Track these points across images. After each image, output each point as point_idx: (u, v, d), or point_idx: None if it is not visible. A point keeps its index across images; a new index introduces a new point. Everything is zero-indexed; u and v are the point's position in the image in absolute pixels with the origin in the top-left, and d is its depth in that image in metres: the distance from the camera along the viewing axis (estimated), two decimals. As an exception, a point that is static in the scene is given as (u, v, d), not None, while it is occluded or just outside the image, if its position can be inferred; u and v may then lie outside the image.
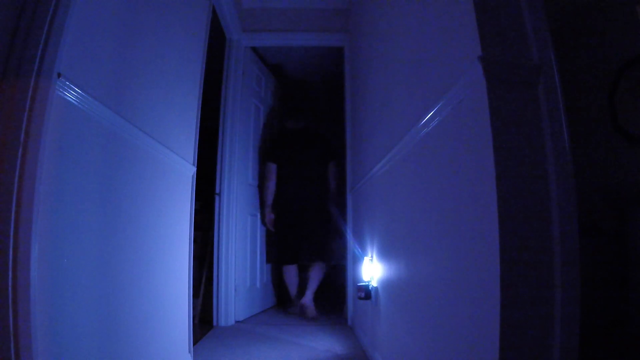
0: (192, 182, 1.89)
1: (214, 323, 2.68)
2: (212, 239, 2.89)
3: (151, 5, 1.40)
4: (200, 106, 2.02)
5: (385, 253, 1.70)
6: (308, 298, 2.90)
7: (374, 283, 1.92)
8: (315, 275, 2.97)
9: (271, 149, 3.17)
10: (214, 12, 2.51)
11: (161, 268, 1.50)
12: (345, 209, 2.89)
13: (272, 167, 3.05)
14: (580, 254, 0.78)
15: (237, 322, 2.75)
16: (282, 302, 3.55)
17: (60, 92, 0.89)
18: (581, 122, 2.30)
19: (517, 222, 0.78)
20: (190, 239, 1.84)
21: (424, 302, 1.16)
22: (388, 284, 1.64)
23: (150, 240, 1.41)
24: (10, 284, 0.76)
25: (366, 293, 1.93)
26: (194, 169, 1.92)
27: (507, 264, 0.75)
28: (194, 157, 1.94)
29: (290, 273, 3.06)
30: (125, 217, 1.22)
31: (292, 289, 3.10)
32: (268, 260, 3.27)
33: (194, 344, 1.99)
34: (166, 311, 1.55)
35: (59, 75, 0.86)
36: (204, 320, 2.79)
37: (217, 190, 2.82)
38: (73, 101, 0.94)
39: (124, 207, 1.21)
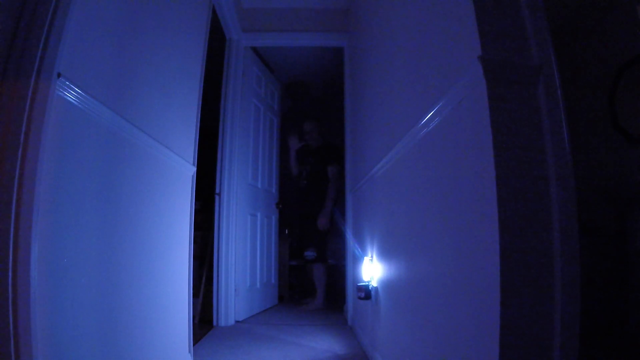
0: (192, 182, 1.89)
1: (214, 323, 2.68)
2: (212, 239, 2.89)
3: (151, 6, 1.40)
4: (200, 106, 2.02)
5: (385, 253, 1.70)
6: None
7: (374, 283, 1.92)
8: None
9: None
10: (214, 12, 2.51)
11: (161, 268, 1.50)
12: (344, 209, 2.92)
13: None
14: (580, 254, 0.78)
15: (237, 322, 2.75)
16: (283, 301, 3.60)
17: (60, 92, 0.89)
18: (581, 122, 2.30)
19: (517, 222, 0.78)
20: (190, 239, 1.84)
21: (424, 302, 1.16)
22: (388, 284, 1.64)
23: (150, 240, 1.41)
24: (10, 284, 0.76)
25: (366, 293, 1.93)
26: (194, 169, 1.92)
27: (507, 264, 0.75)
28: (194, 157, 1.94)
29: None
30: (125, 217, 1.22)
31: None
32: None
33: (194, 344, 1.99)
34: (166, 311, 1.55)
35: (59, 75, 0.86)
36: (204, 320, 2.79)
37: (217, 190, 2.82)
38: (73, 101, 0.94)
39: (123, 206, 1.21)
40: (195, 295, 2.85)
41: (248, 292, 2.91)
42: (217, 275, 2.73)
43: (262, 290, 3.18)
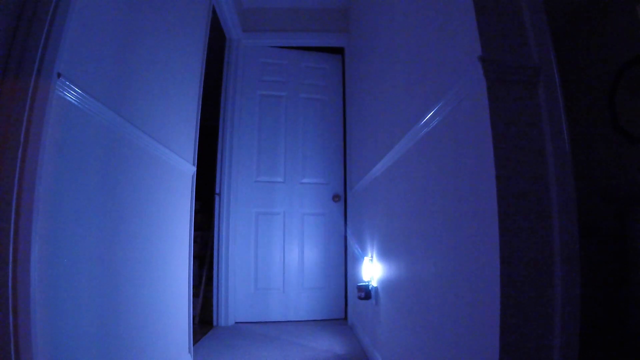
0: (192, 181, 1.90)
1: (214, 323, 2.68)
2: (212, 239, 2.88)
3: (151, 6, 1.40)
4: (200, 106, 2.02)
5: (385, 253, 1.70)
6: None
7: (374, 283, 1.92)
8: None
9: None
10: (214, 12, 2.51)
11: (161, 268, 1.50)
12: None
13: None
14: (580, 254, 0.78)
15: (236, 322, 2.75)
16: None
17: (60, 92, 0.89)
18: (581, 122, 2.31)
19: (517, 222, 0.78)
20: (190, 238, 1.84)
21: (424, 302, 1.16)
22: (388, 284, 1.64)
23: (150, 240, 1.41)
24: (10, 284, 0.76)
25: (366, 293, 1.93)
26: (194, 169, 1.92)
27: (507, 264, 0.75)
28: (194, 157, 1.94)
29: None
30: (125, 217, 1.22)
31: None
32: None
33: (194, 344, 1.99)
34: (166, 311, 1.55)
35: (58, 75, 0.87)
36: (204, 320, 2.79)
37: (217, 190, 2.82)
38: (73, 101, 0.94)
39: (123, 207, 1.21)
40: (195, 295, 2.85)
41: (253, 296, 2.80)
42: (217, 275, 2.72)
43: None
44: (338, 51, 3.23)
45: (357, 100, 2.69)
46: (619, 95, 2.08)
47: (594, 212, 2.08)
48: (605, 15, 2.16)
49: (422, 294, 1.18)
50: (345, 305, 2.91)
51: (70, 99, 0.93)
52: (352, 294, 2.69)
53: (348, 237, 2.84)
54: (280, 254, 2.88)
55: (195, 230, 1.92)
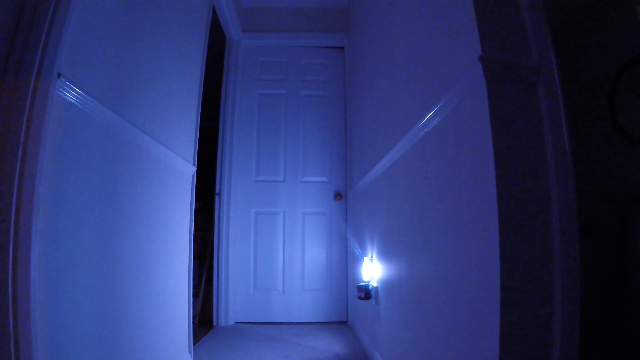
0: (192, 181, 1.90)
1: (214, 323, 2.68)
2: (212, 239, 2.88)
3: (151, 6, 1.40)
4: (200, 106, 2.02)
5: (385, 253, 1.70)
6: None
7: (374, 283, 1.92)
8: None
9: None
10: (214, 12, 2.51)
11: (161, 268, 1.50)
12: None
13: None
14: (580, 254, 0.78)
15: (236, 322, 2.75)
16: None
17: (60, 92, 0.89)
18: (581, 122, 2.31)
19: (517, 222, 0.78)
20: (190, 239, 1.84)
21: (424, 302, 1.16)
22: (388, 284, 1.64)
23: (150, 240, 1.41)
24: (10, 283, 0.76)
25: (366, 293, 1.93)
26: (194, 169, 1.92)
27: (507, 264, 0.75)
28: (194, 157, 1.94)
29: None
30: (125, 217, 1.22)
31: None
32: None
33: (194, 344, 1.99)
34: (166, 311, 1.55)
35: (58, 75, 0.87)
36: (204, 320, 2.79)
37: (217, 191, 2.82)
38: (73, 101, 0.94)
39: (123, 206, 1.21)
40: (195, 295, 2.85)
41: (252, 296, 2.80)
42: (217, 275, 2.72)
43: (296, 297, 2.82)
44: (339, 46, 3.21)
45: (356, 100, 2.69)
46: (619, 95, 2.08)
47: (594, 212, 2.08)
48: (605, 14, 2.16)
49: (422, 293, 1.18)
50: (347, 307, 2.86)
51: (70, 99, 0.93)
52: (353, 294, 2.69)
53: (349, 237, 2.84)
54: (280, 254, 2.85)
55: (195, 230, 1.92)
